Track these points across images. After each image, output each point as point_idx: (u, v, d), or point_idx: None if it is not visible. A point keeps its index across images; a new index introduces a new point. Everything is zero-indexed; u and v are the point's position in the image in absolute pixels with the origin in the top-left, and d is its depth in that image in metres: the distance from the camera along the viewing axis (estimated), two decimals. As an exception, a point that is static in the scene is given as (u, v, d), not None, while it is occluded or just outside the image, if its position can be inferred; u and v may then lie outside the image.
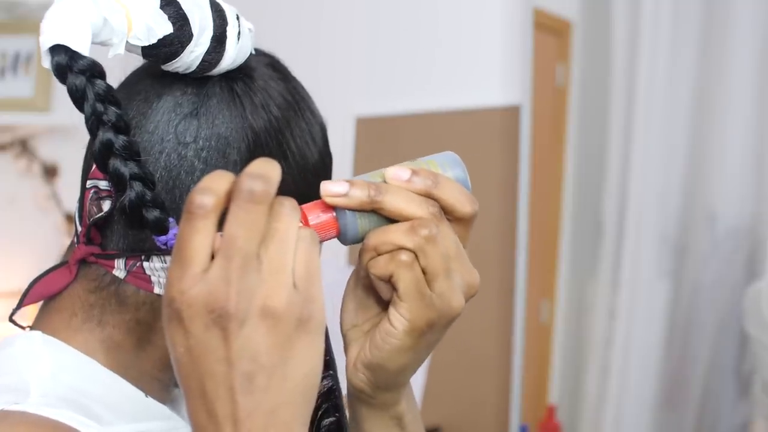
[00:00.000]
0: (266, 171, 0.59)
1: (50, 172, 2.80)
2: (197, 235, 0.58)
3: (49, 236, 2.72)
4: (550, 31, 2.13)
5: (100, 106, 0.65)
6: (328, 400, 0.68)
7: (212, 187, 0.58)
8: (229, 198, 0.58)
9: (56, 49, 0.64)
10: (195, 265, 0.58)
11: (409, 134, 2.26)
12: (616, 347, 2.01)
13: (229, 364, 0.58)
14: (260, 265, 0.58)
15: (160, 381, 0.75)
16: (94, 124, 0.65)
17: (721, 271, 1.88)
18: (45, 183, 2.80)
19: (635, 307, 2.01)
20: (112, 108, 0.65)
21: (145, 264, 0.71)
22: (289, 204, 0.60)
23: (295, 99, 0.75)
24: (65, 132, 2.72)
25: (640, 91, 2.00)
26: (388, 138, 2.31)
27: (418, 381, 2.18)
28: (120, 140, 0.65)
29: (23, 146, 2.80)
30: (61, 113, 2.71)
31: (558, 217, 2.13)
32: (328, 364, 0.68)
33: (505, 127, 2.08)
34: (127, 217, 0.67)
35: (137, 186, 0.66)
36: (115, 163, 0.65)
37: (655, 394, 1.97)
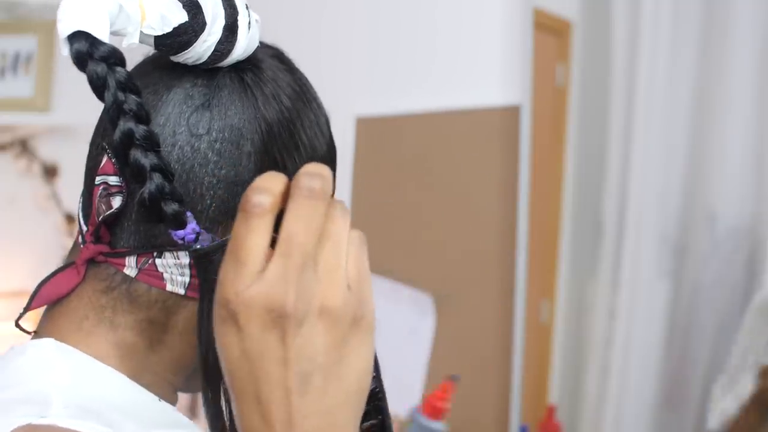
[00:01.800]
0: (322, 170, 0.59)
1: (50, 172, 2.80)
2: (253, 235, 0.58)
3: (49, 236, 2.71)
4: (550, 31, 2.13)
5: (121, 95, 0.63)
6: (371, 402, 0.68)
7: (268, 186, 0.59)
8: (284, 199, 0.58)
9: (76, 36, 0.62)
10: (251, 264, 0.57)
11: (409, 134, 2.26)
12: (616, 347, 2.01)
13: (286, 365, 0.57)
14: (316, 266, 0.58)
15: (171, 384, 0.74)
16: (115, 113, 0.63)
17: (721, 271, 1.88)
18: (45, 183, 2.80)
19: (635, 307, 2.01)
20: (133, 96, 0.64)
21: (158, 261, 0.70)
22: (340, 206, 0.60)
23: (303, 90, 0.74)
24: (65, 132, 2.72)
25: (640, 91, 2.00)
26: (388, 138, 2.30)
27: (418, 381, 2.17)
28: (140, 130, 0.64)
29: (23, 146, 2.80)
30: (61, 113, 2.71)
31: (558, 217, 2.13)
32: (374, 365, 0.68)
33: (505, 127, 2.07)
34: (146, 210, 0.65)
35: (157, 178, 0.64)
36: (136, 153, 0.64)
37: (655, 394, 1.96)
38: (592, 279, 2.07)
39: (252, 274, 0.58)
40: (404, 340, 2.22)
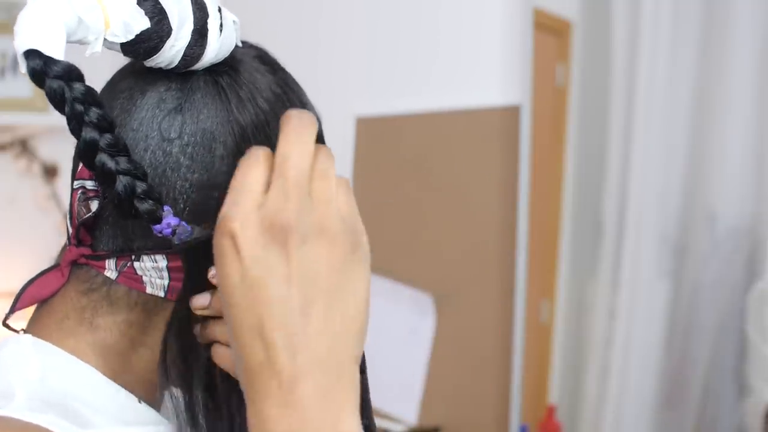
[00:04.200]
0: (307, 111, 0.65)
1: (50, 172, 2.80)
2: (254, 168, 0.62)
3: (49, 236, 2.72)
4: (550, 31, 2.13)
5: (79, 107, 0.64)
6: None
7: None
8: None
9: (30, 55, 0.62)
10: (251, 192, 0.61)
11: (409, 134, 2.26)
12: (616, 347, 2.01)
13: (289, 283, 0.59)
14: (311, 195, 0.61)
15: (152, 383, 0.74)
16: (75, 125, 0.64)
17: (721, 271, 1.88)
18: (45, 183, 2.81)
19: (635, 307, 2.00)
20: (94, 108, 0.64)
21: (136, 264, 0.70)
22: (326, 149, 0.64)
23: (284, 91, 0.74)
24: (65, 132, 2.70)
25: (640, 91, 2.00)
26: (388, 138, 2.31)
27: (417, 381, 2.17)
28: (105, 138, 0.64)
29: (23, 146, 2.80)
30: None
31: (558, 217, 2.13)
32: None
33: (505, 127, 2.07)
34: (119, 210, 0.67)
35: (125, 179, 0.65)
36: (102, 157, 0.64)
37: (655, 394, 1.96)
38: (592, 279, 2.07)
39: (254, 200, 0.61)
40: (404, 340, 2.22)
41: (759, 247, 1.85)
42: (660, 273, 1.97)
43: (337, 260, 0.60)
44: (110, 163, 0.65)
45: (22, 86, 2.74)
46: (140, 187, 0.65)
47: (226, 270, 0.60)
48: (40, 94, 2.73)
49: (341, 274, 0.60)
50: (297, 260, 0.59)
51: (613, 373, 2.01)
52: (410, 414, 2.19)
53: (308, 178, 0.61)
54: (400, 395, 2.20)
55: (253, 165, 0.62)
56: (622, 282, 2.01)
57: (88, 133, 0.64)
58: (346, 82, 2.37)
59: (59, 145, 2.78)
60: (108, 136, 0.65)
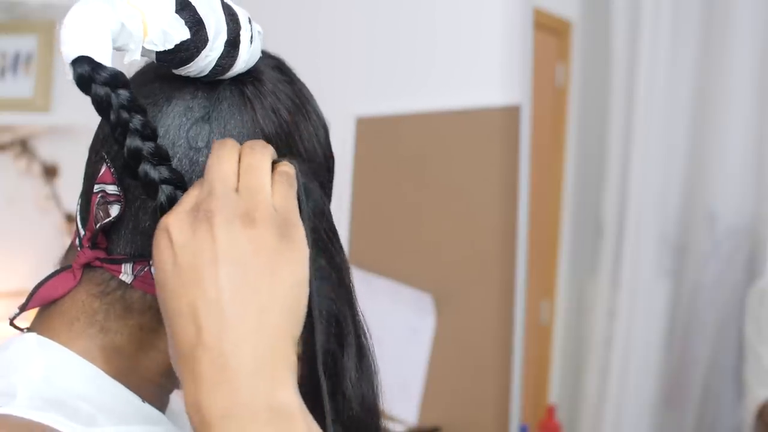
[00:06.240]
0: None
1: (50, 172, 2.80)
2: (197, 185, 0.65)
3: (49, 236, 2.71)
4: (550, 31, 2.13)
5: (125, 115, 0.64)
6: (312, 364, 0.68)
7: None
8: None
9: (79, 61, 0.63)
10: (188, 200, 0.64)
11: (409, 134, 2.26)
12: (616, 347, 2.01)
13: (215, 263, 0.61)
14: (239, 191, 0.64)
15: (161, 387, 0.74)
16: (120, 133, 0.65)
17: (721, 271, 1.88)
18: (45, 183, 2.80)
19: (635, 307, 2.01)
20: (138, 116, 0.65)
21: (153, 269, 0.70)
22: (260, 143, 0.66)
23: (302, 101, 0.75)
24: (65, 132, 2.72)
25: (640, 91, 2.00)
26: (388, 138, 2.31)
27: (417, 381, 2.17)
28: (147, 146, 0.65)
29: (23, 146, 2.80)
30: (61, 113, 2.71)
31: (558, 217, 2.13)
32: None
33: (505, 127, 2.07)
34: (155, 217, 0.67)
35: (168, 189, 0.66)
36: (145, 167, 0.65)
37: (655, 394, 1.97)
38: (592, 279, 2.08)
39: (188, 203, 0.64)
40: (404, 340, 2.22)
41: (759, 247, 1.85)
42: (660, 273, 1.97)
43: (264, 244, 0.62)
44: (153, 173, 0.66)
45: (22, 86, 2.74)
46: (179, 196, 0.67)
47: (160, 258, 0.62)
48: (40, 94, 2.74)
49: (269, 258, 0.62)
50: (222, 241, 0.61)
51: (613, 373, 2.01)
52: (410, 414, 2.19)
53: (234, 177, 0.64)
54: (400, 395, 2.20)
55: (196, 184, 0.65)
56: (622, 282, 2.01)
57: (133, 142, 0.65)
58: (346, 82, 2.37)
59: (59, 145, 2.77)
60: (150, 144, 0.66)
